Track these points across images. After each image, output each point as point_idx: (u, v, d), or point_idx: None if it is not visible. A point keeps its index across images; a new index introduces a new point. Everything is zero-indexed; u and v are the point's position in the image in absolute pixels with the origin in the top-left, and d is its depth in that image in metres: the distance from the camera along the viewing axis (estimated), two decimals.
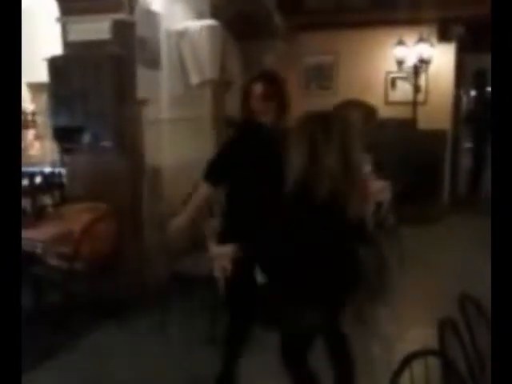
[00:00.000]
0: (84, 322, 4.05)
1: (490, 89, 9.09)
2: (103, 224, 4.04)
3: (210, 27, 5.09)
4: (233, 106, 6.58)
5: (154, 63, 4.74)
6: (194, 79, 5.07)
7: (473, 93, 9.44)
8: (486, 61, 8.25)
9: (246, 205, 2.99)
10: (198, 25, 5.09)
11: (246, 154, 2.99)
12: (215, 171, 3.06)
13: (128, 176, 4.48)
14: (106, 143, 4.44)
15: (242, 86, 3.17)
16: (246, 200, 3.00)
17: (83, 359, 3.63)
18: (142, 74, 4.55)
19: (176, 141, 5.03)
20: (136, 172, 4.55)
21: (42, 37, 5.25)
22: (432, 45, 7.40)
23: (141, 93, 4.53)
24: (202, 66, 5.03)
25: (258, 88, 2.99)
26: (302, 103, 6.00)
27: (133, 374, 3.48)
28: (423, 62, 7.35)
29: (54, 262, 3.82)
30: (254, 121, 3.02)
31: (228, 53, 5.48)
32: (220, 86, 5.71)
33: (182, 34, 5.03)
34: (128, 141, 4.48)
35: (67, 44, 4.49)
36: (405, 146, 7.27)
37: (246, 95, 3.04)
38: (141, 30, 4.50)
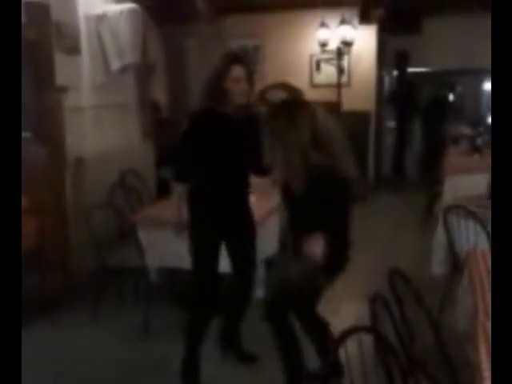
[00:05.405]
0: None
1: (410, 69, 9.37)
2: (24, 220, 3.85)
3: (130, 11, 4.93)
4: (157, 91, 6.47)
5: (72, 49, 4.55)
6: (115, 64, 4.90)
7: (394, 73, 9.70)
8: (405, 42, 8.52)
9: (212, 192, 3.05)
10: (117, 9, 4.92)
11: (210, 144, 2.96)
12: (184, 170, 3.07)
13: (49, 168, 4.29)
14: (25, 134, 4.24)
15: (215, 68, 2.96)
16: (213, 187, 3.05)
17: None
18: (61, 60, 4.36)
19: (100, 129, 4.87)
20: (57, 163, 4.37)
21: None
22: (354, 27, 7.50)
23: (60, 80, 4.34)
24: (123, 51, 4.86)
25: (239, 70, 2.90)
26: None
27: (66, 367, 3.42)
28: (346, 44, 7.45)
29: None
30: (215, 109, 2.96)
31: (149, 37, 5.34)
32: (143, 71, 5.56)
33: (100, 19, 4.85)
34: (48, 131, 4.29)
35: None
36: None
37: (220, 78, 2.91)
38: (57, 14, 4.31)
